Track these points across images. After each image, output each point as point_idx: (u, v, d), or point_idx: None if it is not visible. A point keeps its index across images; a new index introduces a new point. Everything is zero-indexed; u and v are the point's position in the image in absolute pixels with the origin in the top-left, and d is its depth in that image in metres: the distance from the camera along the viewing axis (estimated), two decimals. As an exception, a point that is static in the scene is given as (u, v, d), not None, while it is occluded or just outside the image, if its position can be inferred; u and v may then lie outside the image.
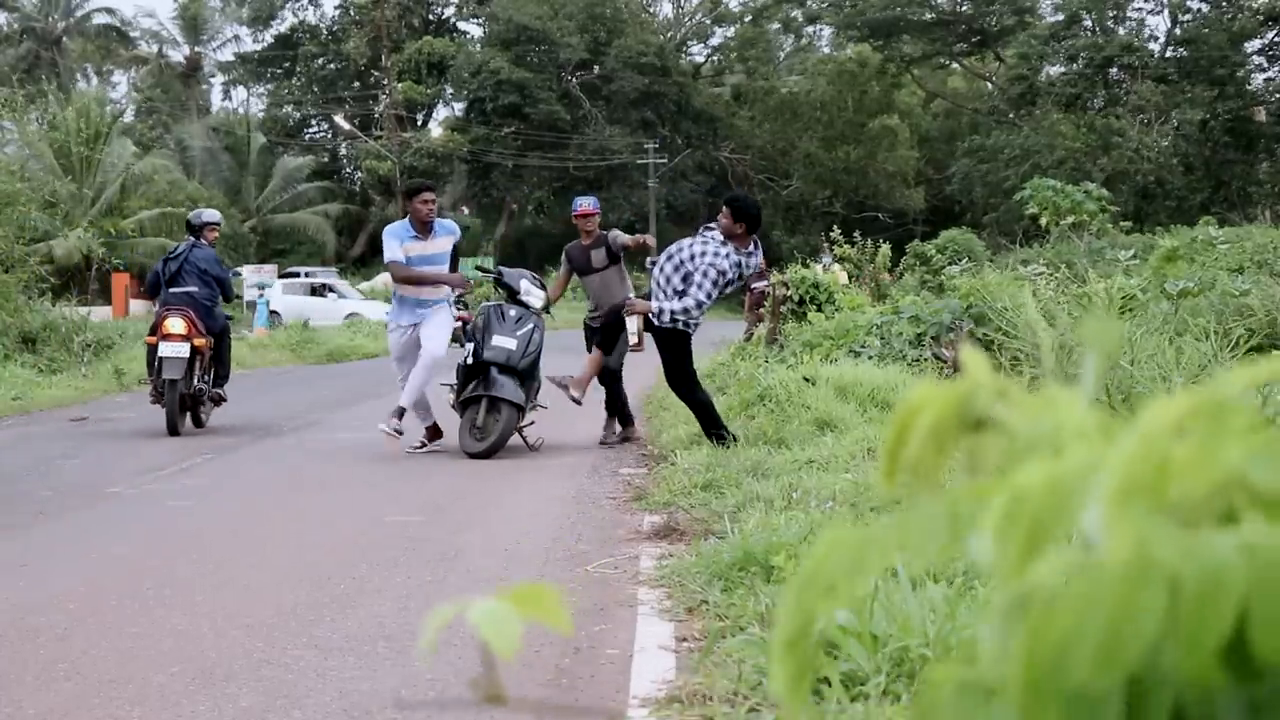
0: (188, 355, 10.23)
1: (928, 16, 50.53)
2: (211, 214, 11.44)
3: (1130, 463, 0.49)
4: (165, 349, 10.21)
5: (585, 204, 9.81)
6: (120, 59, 57.48)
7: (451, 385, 9.42)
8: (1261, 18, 44.67)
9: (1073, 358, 6.43)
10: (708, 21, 59.69)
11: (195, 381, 10.46)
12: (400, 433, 9.04)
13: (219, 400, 10.93)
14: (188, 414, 10.61)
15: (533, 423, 9.37)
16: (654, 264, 8.40)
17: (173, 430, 10.26)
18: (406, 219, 9.31)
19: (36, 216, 24.12)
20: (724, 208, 8.22)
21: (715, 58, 60.57)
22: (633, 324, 8.32)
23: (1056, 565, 0.49)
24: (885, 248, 20.12)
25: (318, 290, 34.39)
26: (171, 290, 10.52)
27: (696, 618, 4.33)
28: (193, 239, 10.96)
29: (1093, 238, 22.81)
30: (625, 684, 3.67)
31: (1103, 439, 0.54)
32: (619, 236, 9.60)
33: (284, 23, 59.34)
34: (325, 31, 58.88)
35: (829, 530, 0.58)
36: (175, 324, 10.28)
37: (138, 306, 35.37)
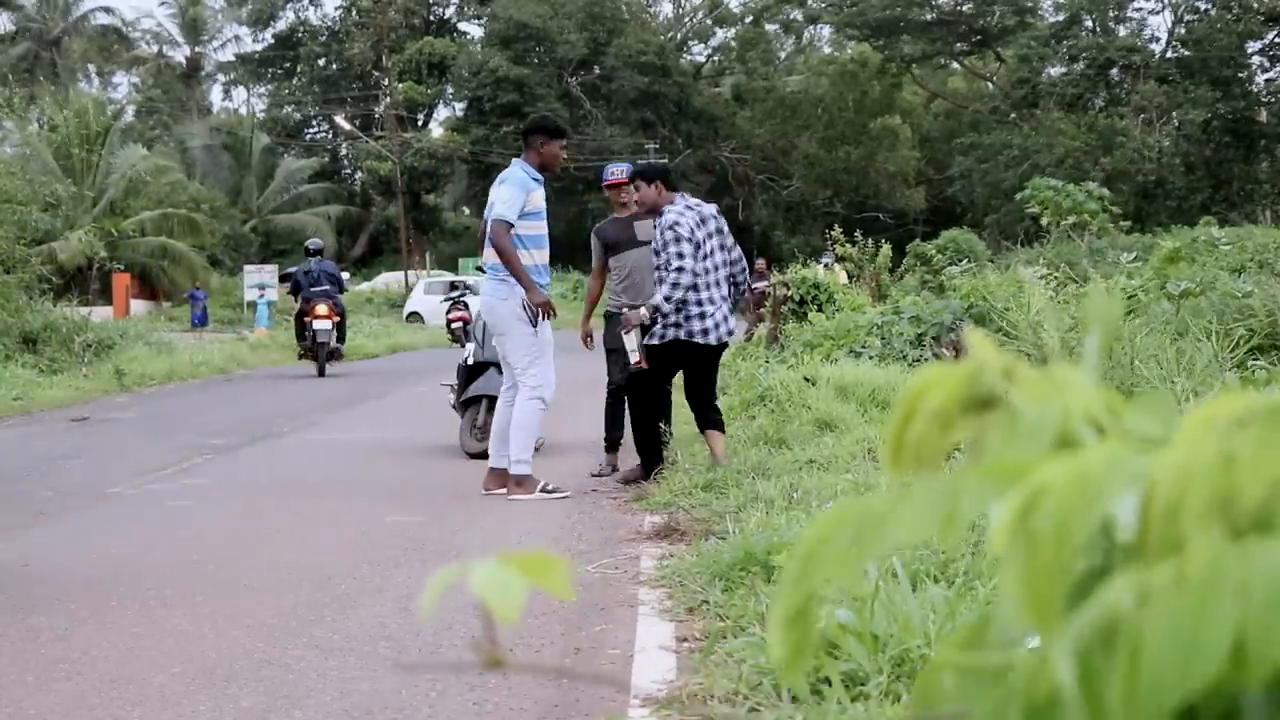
0: (331, 326, 16.65)
1: (928, 16, 50.52)
2: (318, 242, 17.93)
3: (1189, 465, 0.48)
4: (318, 324, 16.57)
5: (617, 172, 8.23)
6: (120, 59, 57.53)
7: (452, 385, 9.42)
8: (1263, 18, 44.68)
9: (1074, 354, 6.42)
10: (708, 22, 59.71)
11: (332, 343, 16.82)
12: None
13: (341, 355, 17.50)
14: (332, 363, 17.05)
15: (533, 423, 9.36)
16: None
17: (321, 372, 16.74)
18: (521, 163, 7.23)
19: (38, 217, 24.14)
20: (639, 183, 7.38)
21: (715, 58, 60.58)
22: (632, 340, 7.35)
23: (1125, 584, 0.48)
24: (886, 248, 20.12)
25: (455, 288, 34.75)
26: (313, 289, 16.74)
27: (697, 618, 4.33)
28: (317, 257, 17.24)
29: (1093, 238, 22.80)
30: (626, 684, 3.67)
31: (1121, 434, 0.54)
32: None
33: (283, 22, 59.40)
34: (326, 32, 58.94)
35: (831, 506, 0.58)
36: (322, 308, 16.54)
37: (138, 307, 35.40)
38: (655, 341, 7.24)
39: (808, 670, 0.60)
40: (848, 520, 0.55)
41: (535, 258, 7.15)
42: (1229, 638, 0.45)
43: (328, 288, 16.88)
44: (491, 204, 7.21)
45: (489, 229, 7.14)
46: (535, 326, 7.03)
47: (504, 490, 7.14)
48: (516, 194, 7.05)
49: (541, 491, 7.05)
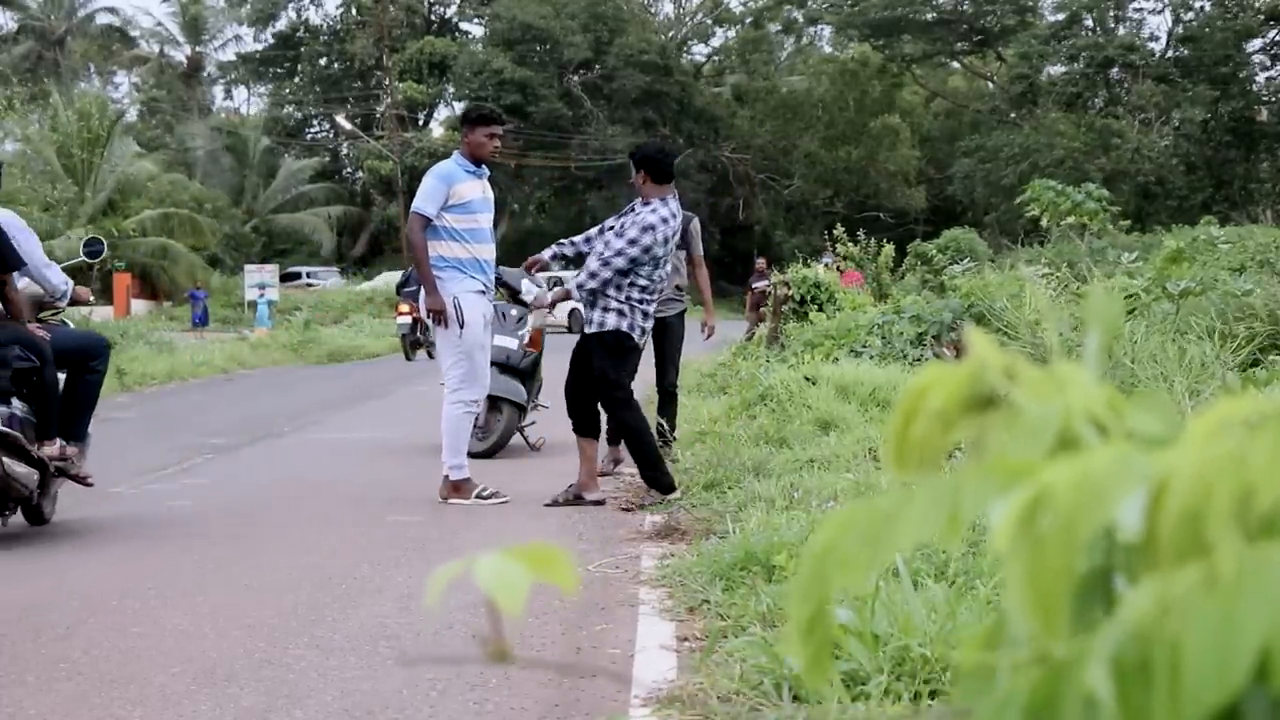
0: (410, 322, 20.20)
1: (929, 16, 50.54)
2: None
3: (1209, 467, 0.48)
4: (399, 319, 21.07)
5: None
6: (122, 59, 57.55)
7: (453, 385, 9.43)
8: (1263, 16, 44.68)
9: (1075, 354, 6.42)
10: (709, 21, 59.72)
11: (418, 334, 20.17)
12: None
13: (421, 345, 20.34)
14: (418, 351, 20.55)
15: (534, 422, 9.37)
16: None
17: (407, 356, 20.73)
18: (455, 155, 7.11)
19: (38, 217, 24.17)
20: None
21: (716, 58, 60.60)
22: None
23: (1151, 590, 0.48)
24: (887, 247, 20.13)
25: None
26: (404, 290, 21.01)
27: (698, 617, 4.33)
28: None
29: (1094, 238, 22.81)
30: (627, 683, 3.67)
31: (1124, 434, 0.54)
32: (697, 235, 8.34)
33: (284, 21, 59.41)
34: (327, 31, 58.96)
35: (839, 510, 0.57)
36: (404, 306, 19.76)
37: (139, 306, 35.42)
38: (594, 329, 6.82)
39: (828, 672, 0.60)
40: (855, 524, 0.55)
41: (474, 251, 6.96)
42: (1258, 641, 0.45)
43: (414, 289, 22.05)
44: None
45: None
46: (461, 326, 6.86)
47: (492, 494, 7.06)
48: (434, 185, 6.90)
49: (478, 498, 6.90)
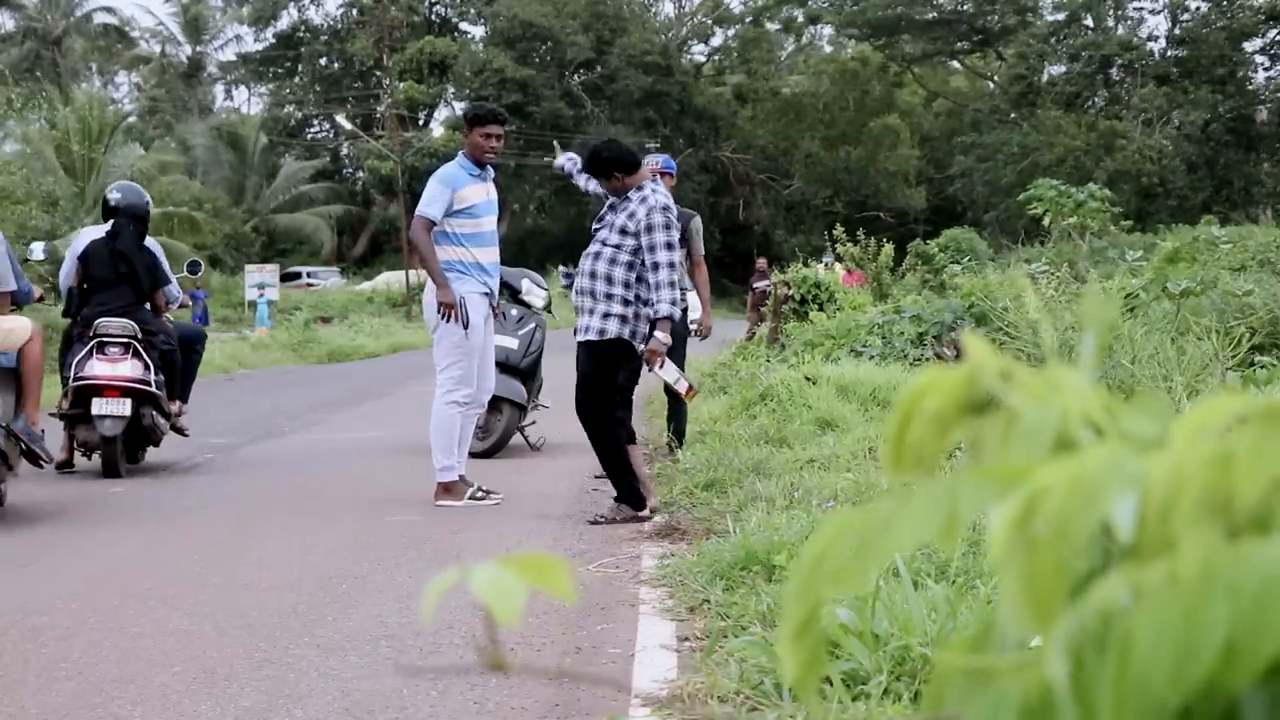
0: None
1: (929, 15, 50.56)
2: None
3: (1183, 465, 0.48)
4: None
5: (656, 162, 7.75)
6: (122, 59, 57.57)
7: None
8: (1262, 16, 44.72)
9: (1074, 354, 6.42)
10: (709, 21, 59.73)
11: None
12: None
13: None
14: None
15: (534, 422, 9.37)
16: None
17: None
18: (459, 157, 7.01)
19: (39, 215, 24.18)
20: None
21: (716, 57, 60.61)
22: (671, 370, 6.50)
23: (1117, 583, 0.48)
24: (887, 247, 20.14)
25: None
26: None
27: (698, 617, 4.33)
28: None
29: (1094, 237, 22.83)
30: (627, 683, 3.67)
31: (1118, 435, 0.54)
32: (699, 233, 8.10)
33: (284, 21, 59.45)
34: (327, 31, 58.99)
35: (831, 517, 0.58)
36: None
37: (139, 306, 35.45)
38: (594, 337, 6.32)
39: (819, 681, 0.60)
40: (849, 529, 0.55)
41: (477, 255, 6.89)
42: (1221, 637, 0.45)
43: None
44: None
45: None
46: (466, 329, 6.81)
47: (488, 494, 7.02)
48: (437, 190, 6.83)
49: (470, 499, 6.83)
